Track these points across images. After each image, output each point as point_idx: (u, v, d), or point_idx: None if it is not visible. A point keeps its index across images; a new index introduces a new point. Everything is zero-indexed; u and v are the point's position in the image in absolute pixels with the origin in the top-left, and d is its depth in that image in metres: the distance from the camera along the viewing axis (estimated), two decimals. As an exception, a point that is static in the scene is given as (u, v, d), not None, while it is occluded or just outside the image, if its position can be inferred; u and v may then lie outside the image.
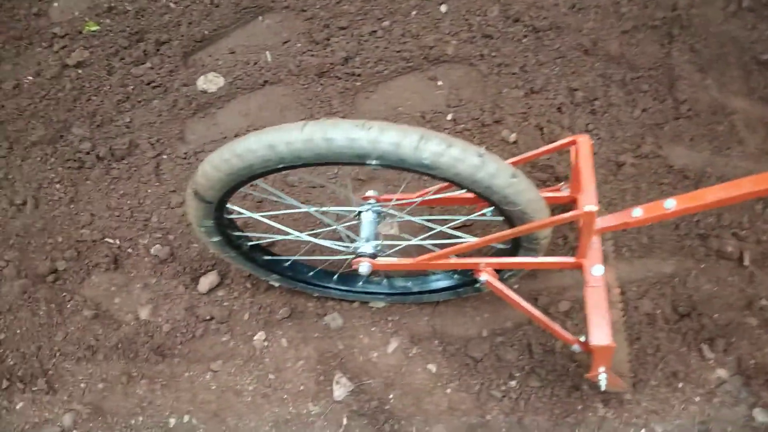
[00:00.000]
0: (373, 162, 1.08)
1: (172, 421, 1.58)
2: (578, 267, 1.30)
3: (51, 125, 2.03)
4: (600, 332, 1.22)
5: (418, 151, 1.05)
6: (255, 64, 2.11)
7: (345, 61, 2.08)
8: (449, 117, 1.97)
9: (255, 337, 1.68)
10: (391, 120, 1.98)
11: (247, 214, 1.41)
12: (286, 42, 2.13)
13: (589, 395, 1.56)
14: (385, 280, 1.68)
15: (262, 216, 1.44)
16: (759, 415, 1.53)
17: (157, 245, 1.80)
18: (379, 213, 1.40)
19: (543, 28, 2.02)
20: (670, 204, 1.15)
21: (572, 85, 1.95)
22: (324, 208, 1.46)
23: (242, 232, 1.49)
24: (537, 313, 1.36)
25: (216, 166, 1.15)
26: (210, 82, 2.10)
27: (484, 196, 1.14)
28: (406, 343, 1.66)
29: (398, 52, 2.07)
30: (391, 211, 1.42)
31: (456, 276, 1.60)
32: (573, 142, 1.32)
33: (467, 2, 2.11)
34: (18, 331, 1.70)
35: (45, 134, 2.01)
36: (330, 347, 1.67)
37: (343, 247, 1.42)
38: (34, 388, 1.62)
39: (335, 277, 1.65)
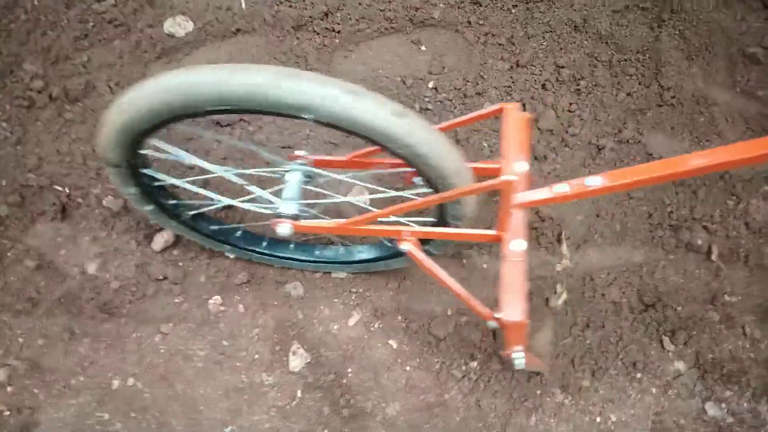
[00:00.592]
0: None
1: (116, 383, 1.50)
2: (497, 240, 1.26)
3: (0, 59, 1.86)
4: (512, 308, 1.18)
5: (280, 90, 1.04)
6: (228, 9, 1.96)
7: (325, 16, 1.96)
8: (430, 84, 1.88)
9: (210, 301, 1.60)
10: (370, 83, 1.90)
11: (163, 177, 1.32)
12: (263, -11, 1.99)
13: (549, 381, 1.54)
14: (342, 248, 1.62)
15: (182, 182, 1.35)
16: (711, 409, 1.54)
17: (110, 197, 1.68)
18: (307, 174, 1.35)
19: (534, -1, 1.94)
20: (593, 181, 1.12)
21: (559, 61, 1.89)
22: (246, 171, 1.38)
23: (177, 200, 1.41)
24: (456, 286, 1.32)
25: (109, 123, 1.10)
26: (178, 26, 1.95)
27: (381, 145, 1.12)
28: (369, 317, 1.61)
29: (381, 11, 1.96)
30: (320, 172, 1.36)
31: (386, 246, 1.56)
32: (500, 110, 1.27)
33: (458, -35, 2.01)
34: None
35: (-6, 65, 1.85)
36: (289, 316, 1.60)
37: (266, 209, 1.36)
38: (-33, 340, 1.51)
39: (291, 245, 1.58)
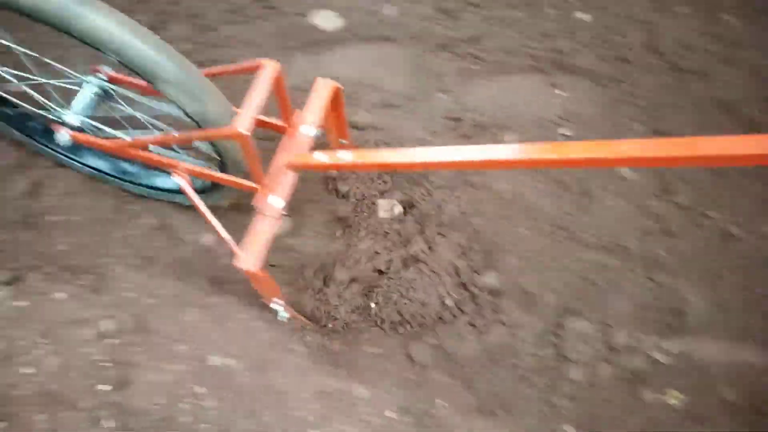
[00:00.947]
0: None
1: (215, 359, 1.49)
2: (255, 191, 1.28)
3: (149, 17, 1.90)
4: (246, 257, 1.21)
5: None
6: (376, 14, 1.98)
7: (470, 41, 1.97)
8: (561, 131, 1.87)
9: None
10: (502, 116, 1.88)
11: None
12: (415, 1, 2.01)
13: None
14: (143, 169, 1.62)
15: None
16: None
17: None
18: (102, 88, 1.34)
19: (686, 69, 1.92)
20: (347, 156, 1.15)
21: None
22: (39, 80, 1.32)
23: None
24: (220, 229, 1.30)
25: None
26: (327, 20, 1.97)
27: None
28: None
29: (527, 47, 1.96)
30: (115, 88, 1.34)
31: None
32: (258, 66, 1.21)
33: (613, 19, 2.00)
34: (76, 219, 1.59)
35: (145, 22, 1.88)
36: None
37: (52, 107, 1.35)
38: (79, 282, 1.52)
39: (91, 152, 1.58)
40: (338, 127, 1.49)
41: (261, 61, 1.20)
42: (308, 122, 1.32)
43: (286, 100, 1.27)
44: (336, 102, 1.39)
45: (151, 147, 1.36)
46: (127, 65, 1.10)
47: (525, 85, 1.93)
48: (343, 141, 1.54)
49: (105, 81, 1.34)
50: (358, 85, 1.85)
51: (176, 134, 1.26)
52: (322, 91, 1.35)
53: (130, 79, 1.34)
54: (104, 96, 1.35)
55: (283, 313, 1.44)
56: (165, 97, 1.16)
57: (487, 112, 1.86)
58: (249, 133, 1.11)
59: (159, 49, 1.10)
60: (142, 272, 1.56)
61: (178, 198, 1.61)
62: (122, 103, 1.34)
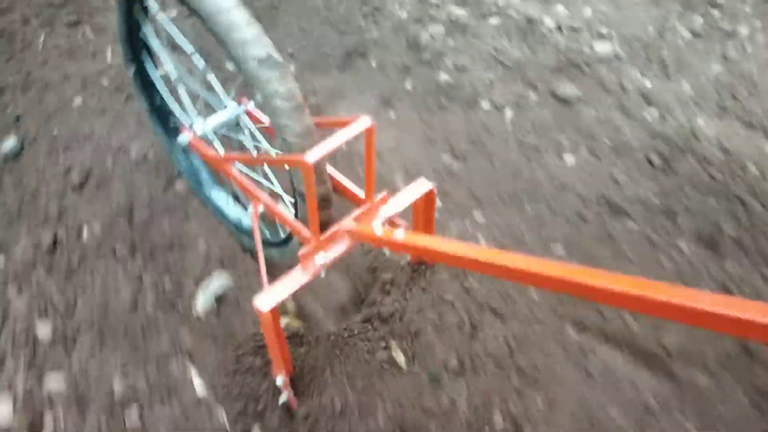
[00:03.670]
0: None
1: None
2: (306, 242, 1.25)
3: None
4: (264, 296, 1.20)
5: None
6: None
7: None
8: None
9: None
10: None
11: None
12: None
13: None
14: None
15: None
16: None
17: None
18: (236, 117, 1.44)
19: None
20: (400, 235, 1.12)
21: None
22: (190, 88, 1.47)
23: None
24: (262, 265, 1.34)
25: None
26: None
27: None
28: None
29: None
30: (245, 121, 1.44)
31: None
32: (355, 119, 1.16)
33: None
34: None
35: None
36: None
37: (189, 112, 1.51)
38: None
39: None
40: (426, 229, 1.44)
41: (359, 115, 1.19)
42: (391, 208, 1.29)
43: (371, 168, 1.22)
44: (428, 203, 1.38)
45: (239, 168, 1.45)
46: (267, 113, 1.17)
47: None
48: None
49: (243, 112, 1.45)
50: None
51: (255, 155, 1.38)
52: (417, 188, 1.34)
53: (262, 119, 1.47)
54: (235, 124, 1.47)
55: (284, 396, 1.33)
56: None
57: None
58: (313, 163, 1.07)
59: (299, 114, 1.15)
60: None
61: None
62: (245, 134, 1.45)
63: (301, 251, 1.22)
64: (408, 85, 2.17)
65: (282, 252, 1.49)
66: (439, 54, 2.27)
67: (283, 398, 1.34)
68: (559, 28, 2.36)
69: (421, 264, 1.55)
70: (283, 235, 1.50)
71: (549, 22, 2.37)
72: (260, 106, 1.45)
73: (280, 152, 1.21)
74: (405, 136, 2.00)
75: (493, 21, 2.40)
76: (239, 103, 1.44)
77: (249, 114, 1.46)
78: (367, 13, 2.45)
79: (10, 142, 1.98)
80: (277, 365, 1.30)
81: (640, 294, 0.69)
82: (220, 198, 1.76)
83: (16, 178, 1.90)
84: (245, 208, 1.64)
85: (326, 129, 1.20)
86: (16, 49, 2.32)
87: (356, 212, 1.27)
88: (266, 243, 1.52)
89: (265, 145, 1.43)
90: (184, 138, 1.50)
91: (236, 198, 1.70)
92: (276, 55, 1.12)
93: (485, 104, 2.11)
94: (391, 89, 2.16)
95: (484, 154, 1.94)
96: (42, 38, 2.36)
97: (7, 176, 1.91)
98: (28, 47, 2.33)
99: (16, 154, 1.97)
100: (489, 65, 2.25)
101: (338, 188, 1.39)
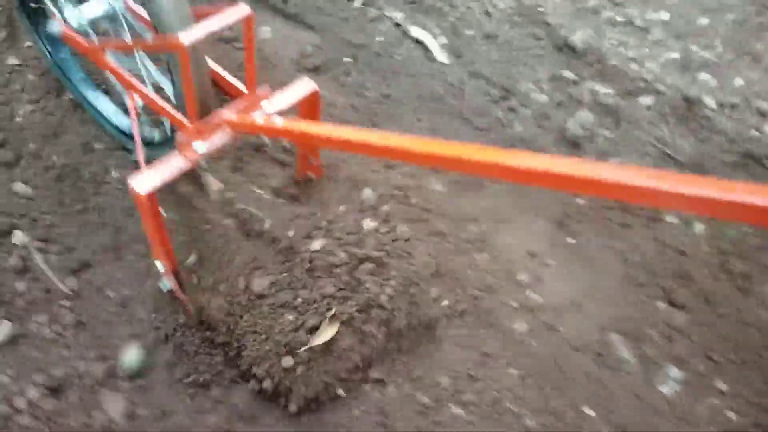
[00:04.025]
0: None
1: None
2: (180, 126, 1.28)
3: None
4: (141, 178, 1.20)
5: None
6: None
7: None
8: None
9: None
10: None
11: None
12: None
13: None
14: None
15: None
16: None
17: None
18: (115, 11, 1.41)
19: None
20: (280, 122, 1.14)
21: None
22: None
23: None
24: (141, 156, 1.36)
25: None
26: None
27: None
28: None
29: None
30: (124, 14, 1.41)
31: None
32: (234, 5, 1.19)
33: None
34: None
35: None
36: None
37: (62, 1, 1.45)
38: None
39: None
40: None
41: (239, 3, 1.17)
42: (274, 104, 1.29)
43: (253, 60, 1.22)
44: (312, 106, 1.36)
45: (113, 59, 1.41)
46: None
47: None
48: (313, 160, 1.54)
49: (120, 4, 1.39)
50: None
51: (129, 41, 1.35)
52: (301, 87, 1.32)
53: (142, 11, 1.38)
54: (113, 16, 1.42)
55: (165, 282, 1.36)
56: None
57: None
58: (189, 45, 1.06)
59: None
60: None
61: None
62: (124, 28, 1.41)
63: (178, 135, 1.23)
64: (579, 199, 1.87)
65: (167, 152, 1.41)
66: (598, 150, 1.97)
67: (165, 285, 1.37)
68: (721, 106, 2.08)
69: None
70: (169, 134, 1.49)
71: (709, 101, 2.09)
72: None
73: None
74: (599, 276, 1.72)
75: (645, 100, 2.10)
76: None
77: (128, 8, 1.41)
78: (500, 99, 2.10)
79: None
80: (156, 252, 1.31)
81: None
82: (97, 99, 1.76)
83: None
84: (125, 110, 1.63)
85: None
86: None
87: (237, 104, 1.29)
88: (150, 143, 1.54)
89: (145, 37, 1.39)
90: (54, 26, 1.45)
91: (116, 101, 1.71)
92: None
93: (669, 216, 1.84)
94: (561, 205, 1.86)
95: (694, 293, 1.68)
96: None
97: None
98: None
99: None
100: (656, 161, 1.97)
101: (219, 82, 1.39)
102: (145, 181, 1.19)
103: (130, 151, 1.75)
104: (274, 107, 1.29)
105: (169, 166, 1.22)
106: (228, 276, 1.38)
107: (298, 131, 1.11)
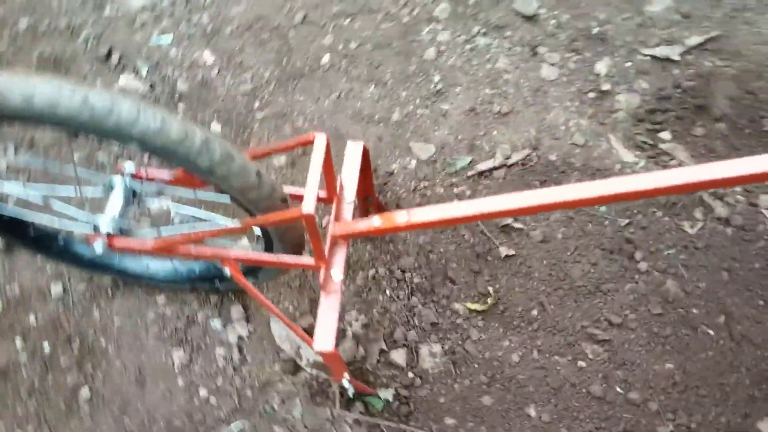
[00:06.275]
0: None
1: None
2: (317, 269, 1.27)
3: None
4: (323, 339, 1.22)
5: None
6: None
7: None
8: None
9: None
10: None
11: None
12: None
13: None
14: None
15: None
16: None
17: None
18: (130, 188, 1.30)
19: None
20: (403, 217, 1.16)
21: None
22: (56, 193, 1.31)
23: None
24: (279, 313, 1.37)
25: None
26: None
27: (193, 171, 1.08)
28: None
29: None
30: (143, 186, 1.31)
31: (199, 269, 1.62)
32: (310, 141, 1.21)
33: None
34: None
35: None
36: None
37: (82, 217, 1.32)
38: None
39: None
40: (365, 185, 1.50)
41: (313, 134, 1.19)
42: (348, 188, 1.34)
43: (332, 170, 1.26)
44: (364, 161, 1.40)
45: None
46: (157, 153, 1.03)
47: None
48: (370, 198, 1.59)
49: (130, 178, 1.29)
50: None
51: (232, 224, 1.27)
52: (355, 154, 1.37)
53: (154, 172, 1.29)
54: (132, 196, 1.31)
55: (351, 389, 1.45)
56: (202, 186, 1.19)
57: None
58: (313, 212, 1.08)
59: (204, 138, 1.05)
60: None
61: (211, 285, 1.64)
62: (151, 198, 1.32)
63: (319, 279, 1.26)
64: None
65: (256, 278, 1.53)
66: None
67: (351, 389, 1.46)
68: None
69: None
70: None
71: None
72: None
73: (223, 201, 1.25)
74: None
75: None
76: (120, 173, 1.29)
77: (138, 176, 1.31)
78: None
79: None
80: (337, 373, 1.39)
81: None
82: (165, 267, 1.66)
83: None
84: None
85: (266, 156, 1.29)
86: None
87: (331, 214, 1.32)
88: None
89: (181, 195, 1.32)
90: (98, 246, 1.30)
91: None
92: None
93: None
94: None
95: None
96: None
97: None
98: None
99: None
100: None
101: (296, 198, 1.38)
102: (327, 338, 1.23)
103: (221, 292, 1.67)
104: (349, 193, 1.32)
105: (330, 312, 1.24)
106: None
107: (418, 222, 1.13)
